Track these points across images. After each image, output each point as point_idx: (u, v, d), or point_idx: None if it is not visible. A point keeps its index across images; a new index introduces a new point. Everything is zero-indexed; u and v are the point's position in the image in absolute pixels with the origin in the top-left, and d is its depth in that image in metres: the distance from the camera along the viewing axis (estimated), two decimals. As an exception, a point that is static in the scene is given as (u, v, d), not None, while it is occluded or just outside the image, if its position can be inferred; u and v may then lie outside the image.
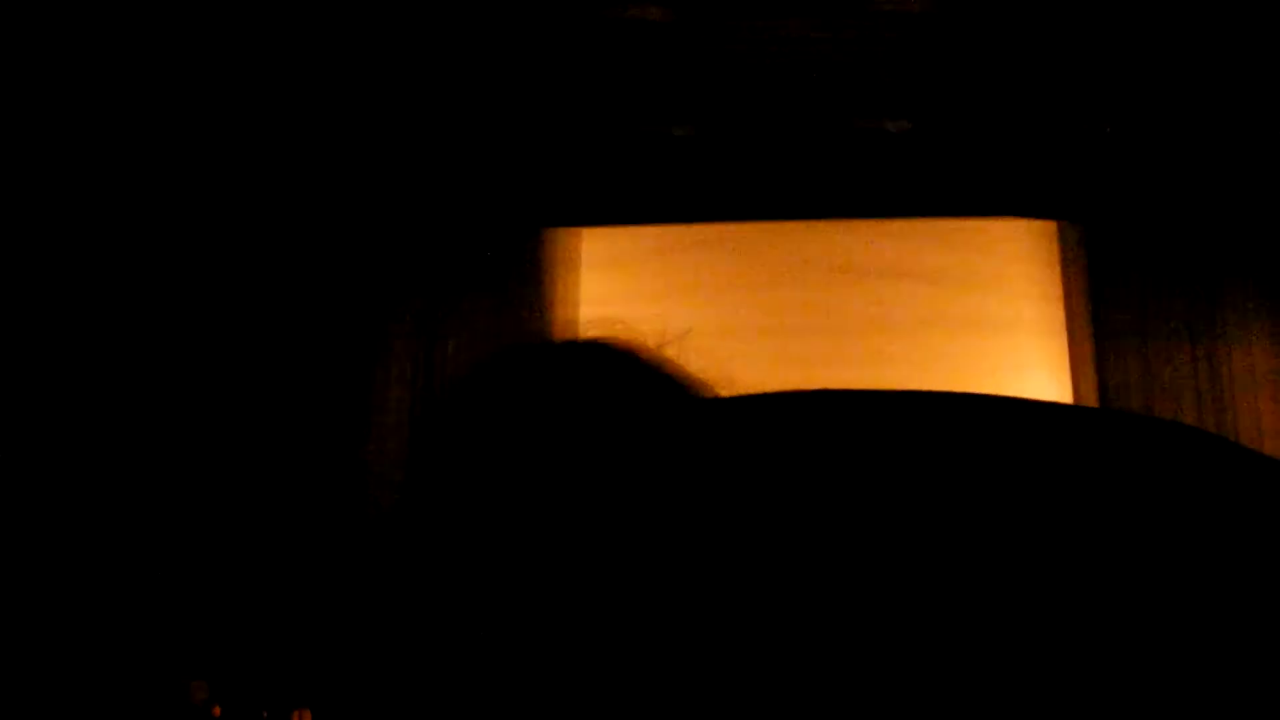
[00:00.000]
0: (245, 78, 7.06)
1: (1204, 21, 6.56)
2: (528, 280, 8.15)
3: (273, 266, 7.89)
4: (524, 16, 6.69)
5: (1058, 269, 8.17)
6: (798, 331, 8.05)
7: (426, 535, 0.56)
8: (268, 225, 7.87)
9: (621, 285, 8.19)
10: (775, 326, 8.07)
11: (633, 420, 0.51)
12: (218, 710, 6.80)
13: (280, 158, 7.69)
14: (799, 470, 0.41)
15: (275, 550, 7.41)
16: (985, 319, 8.07)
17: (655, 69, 7.24)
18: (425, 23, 6.66)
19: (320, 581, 7.04)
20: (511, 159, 8.02)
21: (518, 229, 8.21)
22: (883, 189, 8.17)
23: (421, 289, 8.10)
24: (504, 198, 8.20)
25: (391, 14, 6.57)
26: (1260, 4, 6.39)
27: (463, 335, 7.99)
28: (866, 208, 8.22)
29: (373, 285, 8.06)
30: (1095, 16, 6.67)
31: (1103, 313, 8.03)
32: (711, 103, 7.55)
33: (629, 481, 0.41)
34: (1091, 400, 7.88)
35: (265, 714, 6.93)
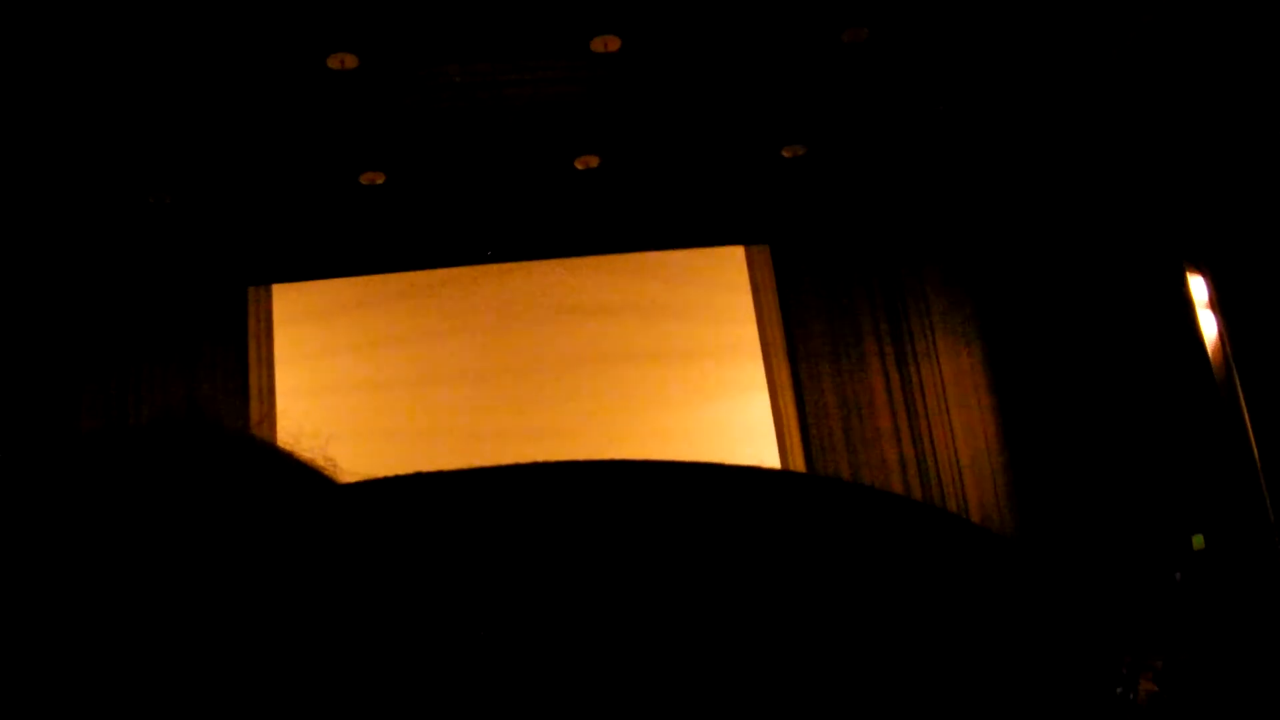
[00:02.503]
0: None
1: (877, 53, 6.83)
2: (221, 340, 7.96)
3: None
4: (211, 68, 6.49)
5: (749, 294, 8.40)
6: (504, 373, 8.09)
7: None
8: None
9: (321, 340, 8.05)
10: (478, 370, 8.10)
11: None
12: None
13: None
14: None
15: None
16: (688, 347, 8.25)
17: (344, 118, 7.14)
18: (115, 75, 6.40)
19: None
20: (203, 217, 7.81)
21: (210, 288, 8.00)
22: (579, 227, 8.29)
23: (112, 351, 7.81)
24: (196, 256, 8.00)
25: (78, 67, 6.28)
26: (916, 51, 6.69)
27: (156, 397, 7.75)
28: (565, 247, 8.31)
29: (61, 349, 7.76)
30: (762, 53, 6.87)
31: (796, 333, 8.31)
32: (403, 150, 7.48)
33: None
34: (792, 418, 8.17)
35: None
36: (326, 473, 0.61)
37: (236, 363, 7.93)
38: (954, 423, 8.23)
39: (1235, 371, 6.50)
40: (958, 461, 8.15)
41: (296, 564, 0.41)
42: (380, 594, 0.39)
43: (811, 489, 0.45)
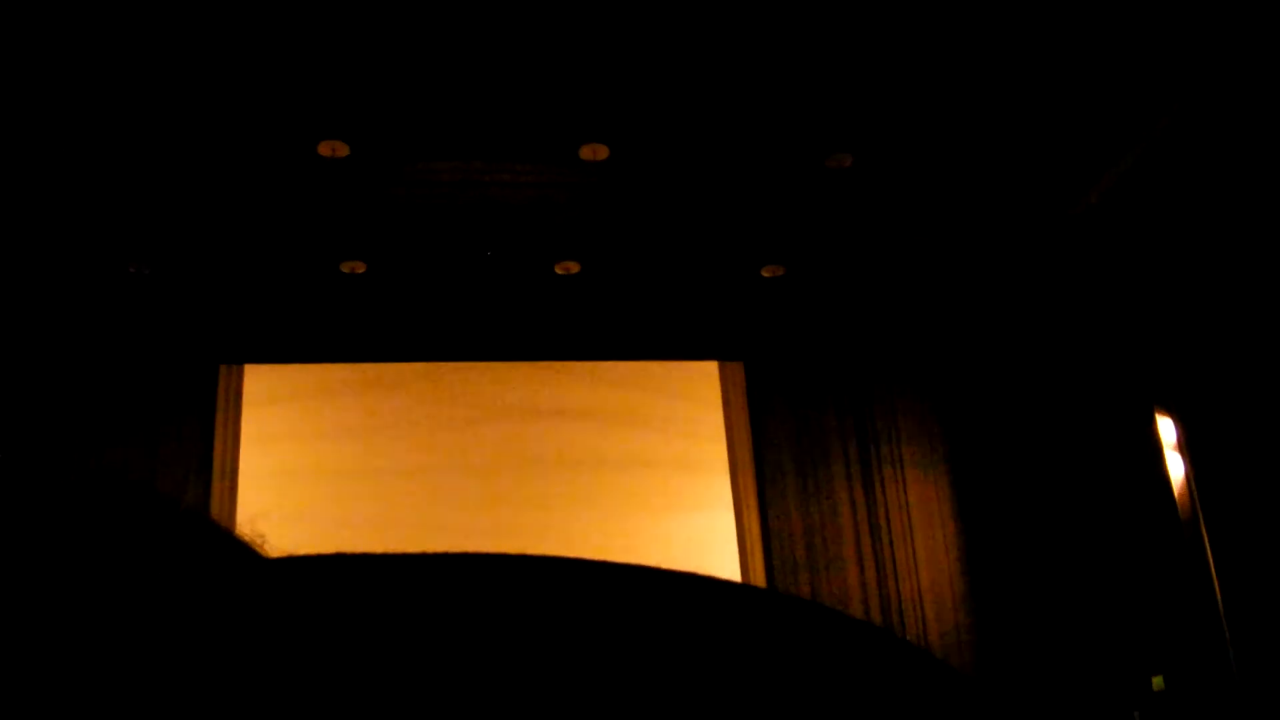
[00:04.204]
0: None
1: (860, 180, 6.96)
2: (190, 415, 7.91)
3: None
4: (205, 143, 6.52)
5: (720, 409, 8.42)
6: (465, 471, 8.05)
7: None
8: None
9: (288, 423, 8.01)
10: (443, 466, 8.05)
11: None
12: None
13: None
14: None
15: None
16: (655, 458, 8.23)
17: (331, 205, 7.16)
18: (111, 144, 6.40)
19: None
20: (182, 292, 7.80)
21: (183, 363, 7.96)
22: (556, 333, 8.31)
23: (81, 418, 7.74)
24: (172, 330, 7.97)
25: (75, 133, 6.28)
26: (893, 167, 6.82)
27: (122, 465, 7.65)
28: (538, 350, 8.32)
29: (30, 412, 7.68)
30: (747, 174, 6.98)
31: (764, 452, 8.31)
32: (386, 241, 7.51)
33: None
34: (755, 536, 8.13)
35: None
36: (252, 544, 0.60)
37: (202, 439, 7.87)
38: (917, 549, 8.21)
39: (1201, 513, 6.52)
40: (919, 588, 8.11)
41: (192, 623, 0.40)
42: (256, 660, 0.38)
43: (768, 606, 0.43)
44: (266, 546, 0.59)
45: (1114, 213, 7.07)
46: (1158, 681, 6.84)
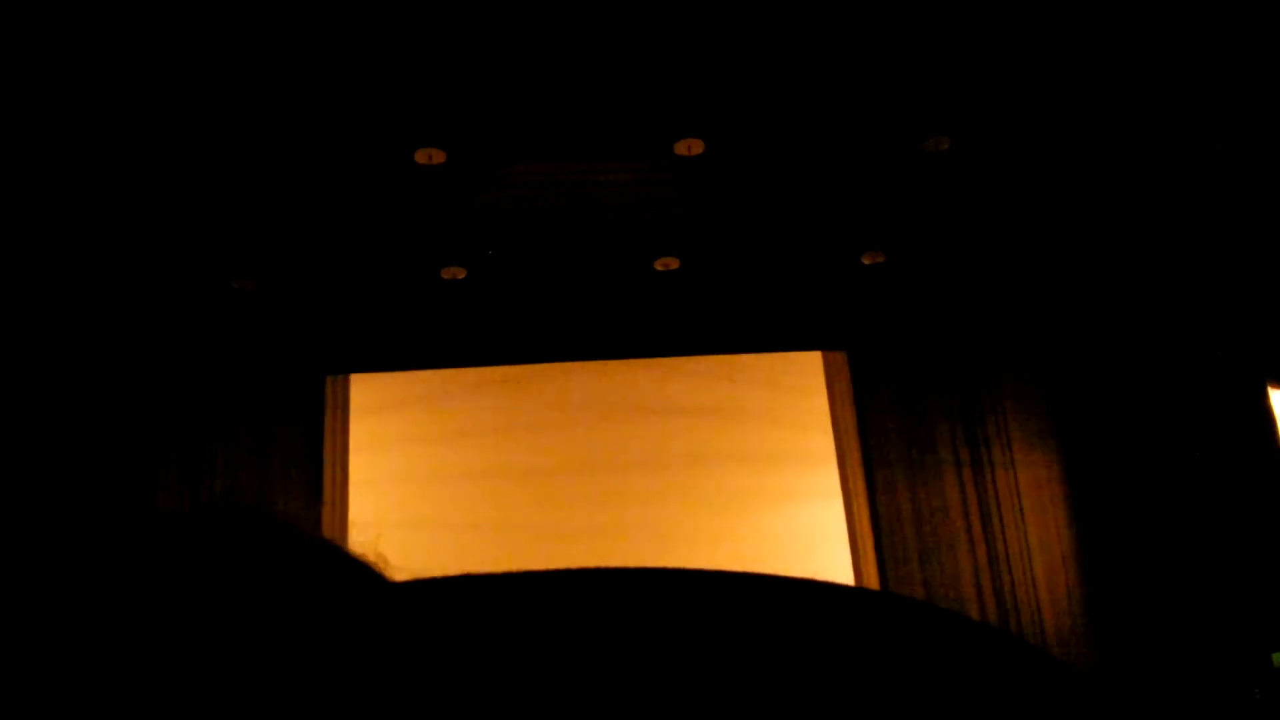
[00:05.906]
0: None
1: (958, 162, 6.88)
2: (297, 427, 8.04)
3: (47, 401, 7.65)
4: (303, 157, 6.62)
5: (825, 399, 8.38)
6: (574, 471, 8.09)
7: None
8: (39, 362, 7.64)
9: (395, 430, 8.11)
10: (552, 466, 8.10)
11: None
12: None
13: (52, 299, 7.49)
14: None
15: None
16: (759, 452, 8.21)
17: (430, 212, 7.24)
18: (209, 163, 6.53)
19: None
20: (285, 305, 7.93)
21: (288, 376, 8.11)
22: (658, 329, 8.33)
23: (190, 434, 7.91)
24: (276, 344, 8.11)
25: (171, 151, 6.41)
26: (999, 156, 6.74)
27: (231, 481, 7.83)
28: (641, 347, 8.35)
29: (140, 426, 7.86)
30: (843, 161, 6.93)
31: (871, 440, 8.26)
32: (485, 246, 7.57)
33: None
34: (865, 526, 8.09)
35: None
36: (375, 567, 0.59)
37: (311, 450, 7.98)
38: (1029, 534, 8.12)
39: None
40: (1032, 571, 8.03)
41: (319, 659, 0.40)
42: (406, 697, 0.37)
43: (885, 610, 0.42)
44: (387, 566, 0.59)
45: (1217, 183, 6.94)
46: (1278, 658, 6.71)
